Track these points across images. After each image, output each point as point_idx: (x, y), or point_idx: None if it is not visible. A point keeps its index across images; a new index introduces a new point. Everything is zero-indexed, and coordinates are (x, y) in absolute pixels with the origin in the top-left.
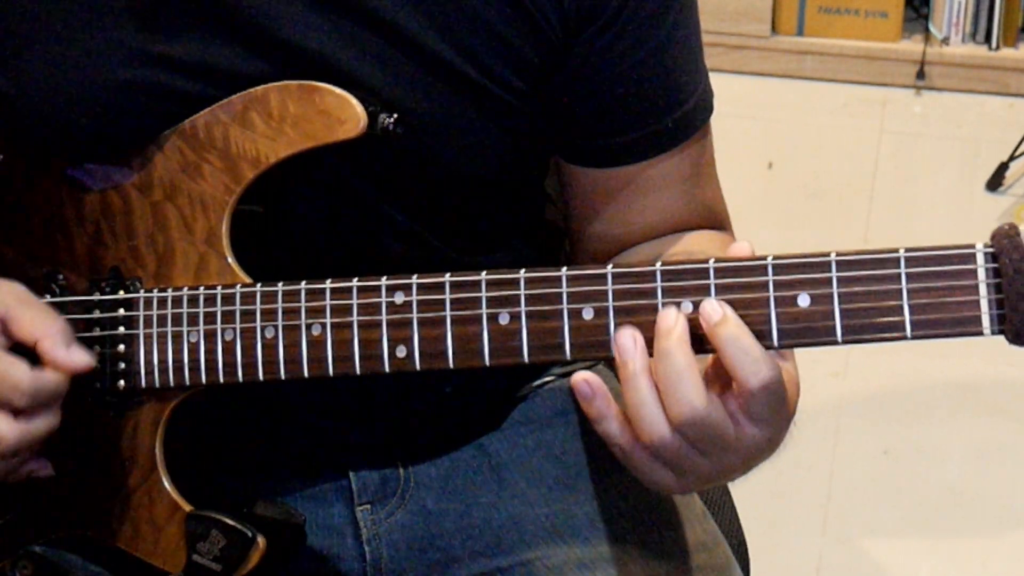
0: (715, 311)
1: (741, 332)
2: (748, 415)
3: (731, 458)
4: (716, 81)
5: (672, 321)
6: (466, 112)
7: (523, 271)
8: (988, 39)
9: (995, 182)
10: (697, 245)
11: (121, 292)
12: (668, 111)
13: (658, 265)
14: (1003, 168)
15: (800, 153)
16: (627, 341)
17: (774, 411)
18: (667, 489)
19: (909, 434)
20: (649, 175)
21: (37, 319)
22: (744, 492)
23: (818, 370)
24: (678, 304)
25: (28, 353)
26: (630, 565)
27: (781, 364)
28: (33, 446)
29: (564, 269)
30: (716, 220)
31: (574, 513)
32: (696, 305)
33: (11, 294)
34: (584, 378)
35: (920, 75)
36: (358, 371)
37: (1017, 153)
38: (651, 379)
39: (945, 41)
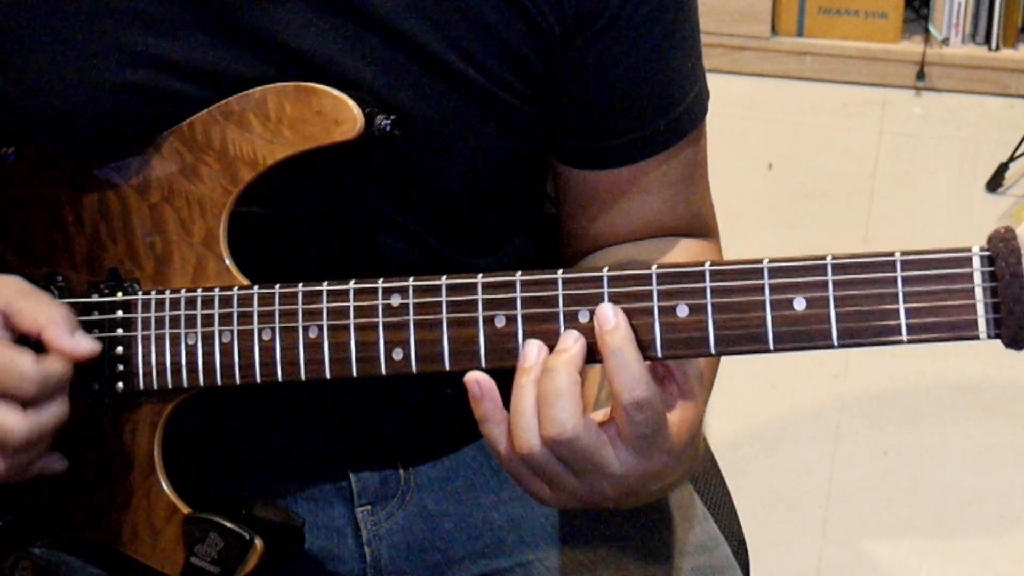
0: (608, 319)
1: (627, 346)
2: (624, 439)
3: (604, 483)
4: (716, 81)
5: (570, 342)
6: (466, 113)
7: (519, 274)
8: (988, 40)
9: (995, 183)
10: (671, 255)
11: (119, 294)
12: (661, 114)
13: (654, 268)
14: (1003, 168)
15: (800, 153)
16: (532, 350)
17: (650, 440)
18: (543, 501)
19: (909, 435)
20: (639, 178)
21: (38, 309)
22: (744, 492)
23: (818, 370)
24: (673, 307)
25: (32, 345)
26: (630, 566)
27: (681, 403)
28: (43, 440)
29: (560, 272)
30: (703, 227)
31: (574, 514)
32: (691, 308)
33: (11, 287)
34: (476, 378)
35: (920, 76)
36: (355, 373)
37: (1017, 153)
38: (536, 390)
39: (945, 42)
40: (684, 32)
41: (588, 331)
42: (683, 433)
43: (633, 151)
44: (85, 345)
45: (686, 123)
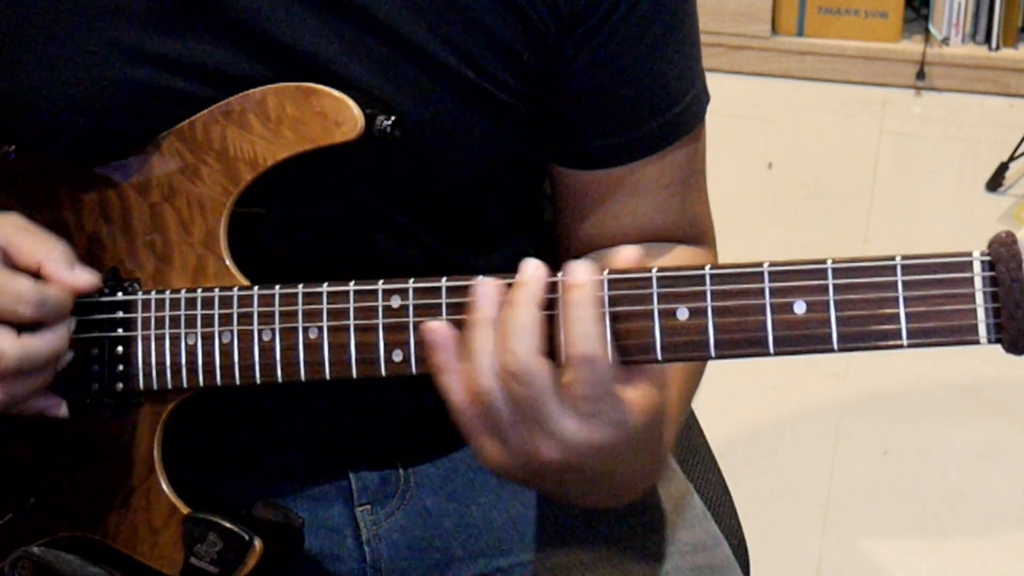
0: (579, 276)
1: (588, 303)
2: (570, 398)
3: (549, 444)
4: (716, 81)
5: (530, 273)
6: (463, 113)
7: (518, 275)
8: (988, 39)
9: (995, 182)
10: (661, 262)
11: (119, 293)
12: (655, 115)
13: (654, 271)
14: (1003, 168)
15: (800, 153)
16: (487, 289)
17: (595, 404)
18: (491, 461)
19: (909, 434)
20: (631, 180)
21: (37, 244)
22: (744, 492)
23: (817, 371)
24: (673, 310)
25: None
26: (630, 566)
27: (644, 384)
28: (39, 371)
29: (560, 274)
30: (697, 233)
31: (574, 513)
32: (691, 311)
33: (10, 223)
34: (434, 327)
35: (920, 75)
36: (354, 375)
37: (1017, 153)
38: (494, 328)
39: (945, 41)
40: (682, 33)
41: None
42: (641, 415)
43: (625, 152)
44: (85, 278)
45: (681, 125)
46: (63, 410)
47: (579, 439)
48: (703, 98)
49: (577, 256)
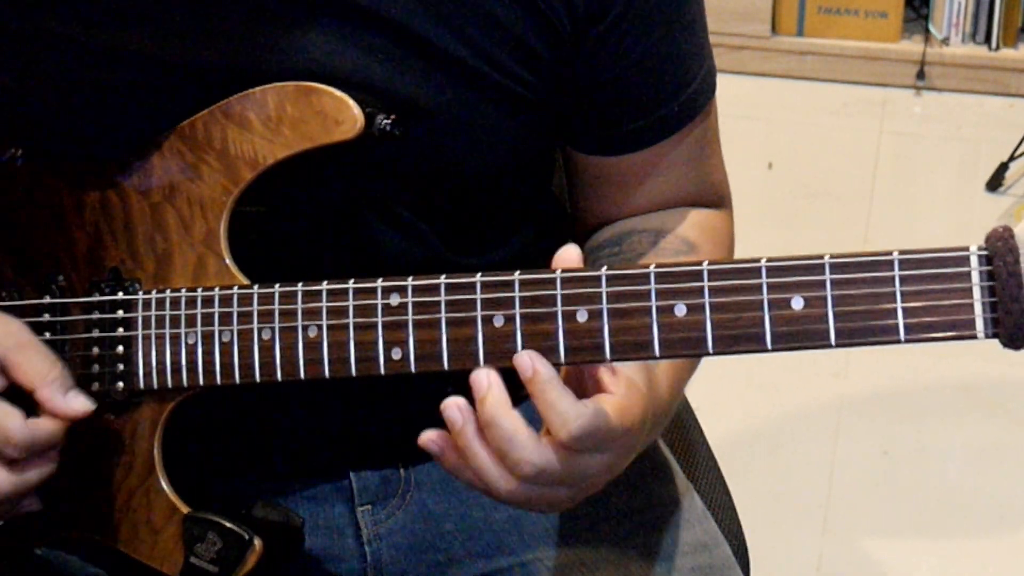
0: (526, 368)
1: (548, 388)
2: (577, 452)
3: (588, 480)
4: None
5: (485, 387)
6: (477, 106)
7: (517, 273)
8: (988, 39)
9: (995, 182)
10: (680, 227)
11: (120, 293)
12: (673, 97)
13: (652, 267)
14: (1003, 168)
15: (800, 153)
16: (454, 414)
17: (598, 446)
18: (542, 513)
19: (909, 434)
20: (653, 160)
21: (34, 366)
22: (744, 492)
23: (818, 370)
24: (671, 306)
25: (26, 396)
26: (630, 566)
27: (608, 398)
28: (29, 493)
29: (559, 271)
30: (715, 196)
31: (574, 513)
32: (689, 308)
33: (11, 336)
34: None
35: (920, 75)
36: (354, 373)
37: (1017, 153)
38: (486, 443)
39: (945, 41)
40: (691, 13)
41: (585, 331)
42: (633, 417)
43: (645, 136)
44: (78, 406)
45: (697, 103)
46: (37, 505)
47: (605, 463)
48: (713, 72)
49: (594, 230)
